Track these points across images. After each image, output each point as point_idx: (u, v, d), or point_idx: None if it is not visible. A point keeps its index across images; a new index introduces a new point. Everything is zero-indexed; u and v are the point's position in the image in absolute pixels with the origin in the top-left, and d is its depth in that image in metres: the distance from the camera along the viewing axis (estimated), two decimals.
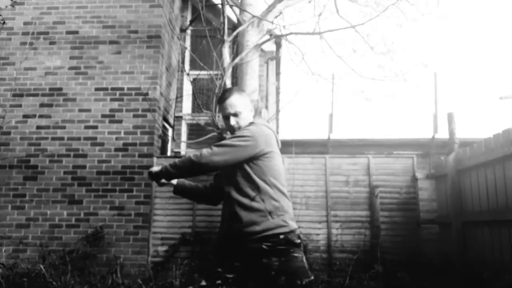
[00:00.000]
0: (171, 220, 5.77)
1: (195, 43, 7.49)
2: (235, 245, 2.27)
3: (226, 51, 5.24)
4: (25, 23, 6.24)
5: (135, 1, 6.26)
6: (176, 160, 2.26)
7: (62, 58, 6.16)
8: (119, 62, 6.11)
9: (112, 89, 6.05)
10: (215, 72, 5.23)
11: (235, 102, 2.37)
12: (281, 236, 2.21)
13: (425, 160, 6.06)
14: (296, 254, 2.20)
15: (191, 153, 2.29)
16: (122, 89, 6.04)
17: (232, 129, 2.38)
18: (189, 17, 7.75)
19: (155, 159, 5.90)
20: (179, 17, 7.55)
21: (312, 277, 2.20)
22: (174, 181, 2.55)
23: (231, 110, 2.36)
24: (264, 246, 2.19)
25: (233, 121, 2.36)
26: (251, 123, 2.36)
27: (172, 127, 7.14)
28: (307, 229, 5.59)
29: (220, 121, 5.19)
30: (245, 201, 2.24)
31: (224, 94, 2.42)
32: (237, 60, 5.37)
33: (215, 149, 2.18)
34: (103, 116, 5.98)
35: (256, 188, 2.25)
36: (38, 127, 5.98)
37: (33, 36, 6.03)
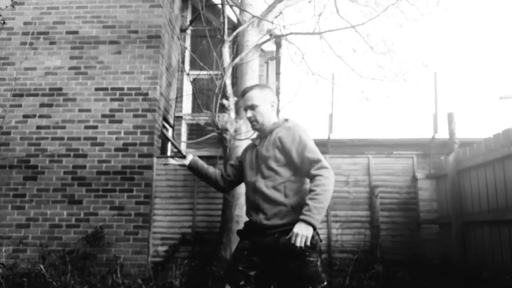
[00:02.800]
0: (171, 220, 5.78)
1: (195, 43, 7.48)
2: (255, 237, 2.29)
3: (226, 51, 5.24)
4: (25, 23, 6.24)
5: (135, 1, 6.26)
6: (308, 205, 2.11)
7: (62, 58, 6.16)
8: (119, 62, 6.11)
9: (112, 89, 6.05)
10: (215, 72, 5.23)
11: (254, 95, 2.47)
12: None
13: (425, 160, 6.04)
14: (311, 259, 2.18)
15: (313, 186, 2.14)
16: (122, 89, 6.04)
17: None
18: (189, 17, 7.74)
19: (155, 159, 5.90)
20: (179, 17, 7.55)
21: (326, 283, 2.19)
22: (188, 160, 2.65)
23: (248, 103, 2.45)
24: (281, 245, 2.17)
25: (249, 113, 2.46)
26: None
27: (172, 127, 7.14)
28: None
29: (220, 121, 5.19)
30: (275, 195, 2.27)
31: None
32: (237, 60, 5.37)
33: (324, 170, 2.16)
34: (103, 116, 5.98)
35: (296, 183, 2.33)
36: (38, 127, 5.98)
37: (33, 36, 6.03)
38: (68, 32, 6.22)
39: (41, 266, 5.07)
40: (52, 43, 6.19)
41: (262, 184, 2.29)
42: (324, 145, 7.80)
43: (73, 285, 4.88)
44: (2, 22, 4.85)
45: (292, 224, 2.16)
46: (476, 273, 4.30)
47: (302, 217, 2.10)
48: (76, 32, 6.22)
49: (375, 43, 6.75)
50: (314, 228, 2.11)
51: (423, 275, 5.05)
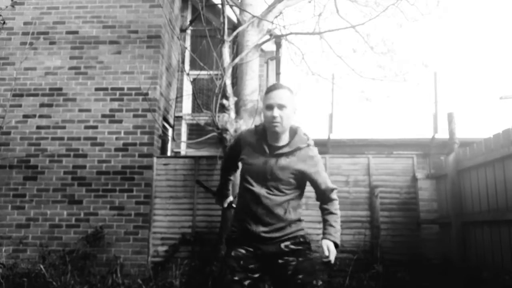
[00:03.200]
0: (171, 220, 5.78)
1: (195, 43, 7.48)
2: (253, 246, 2.31)
3: (226, 51, 5.24)
4: (25, 23, 6.24)
5: (135, 1, 6.26)
6: (335, 227, 2.40)
7: (62, 58, 6.16)
8: (119, 62, 6.11)
9: (112, 89, 6.05)
10: (215, 72, 5.23)
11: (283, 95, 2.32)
12: (300, 238, 2.35)
13: (425, 160, 6.05)
14: (311, 256, 2.33)
15: (333, 210, 2.46)
16: (122, 89, 6.04)
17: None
18: (189, 17, 7.74)
19: (155, 159, 5.90)
20: (179, 17, 7.55)
21: (321, 282, 2.30)
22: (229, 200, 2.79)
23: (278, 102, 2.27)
24: (282, 247, 2.28)
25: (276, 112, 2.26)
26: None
27: (172, 127, 7.14)
28: (308, 229, 5.56)
29: (220, 121, 5.19)
30: (278, 210, 2.33)
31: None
32: (237, 60, 5.37)
33: (336, 194, 2.47)
34: (103, 116, 5.98)
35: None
36: (38, 127, 5.98)
37: (33, 36, 6.02)
38: (68, 32, 6.22)
39: (41, 266, 5.07)
40: (52, 43, 6.19)
41: (268, 200, 2.29)
42: (324, 145, 7.80)
43: (73, 285, 4.88)
44: (2, 22, 4.85)
45: (287, 235, 2.31)
46: (476, 273, 4.30)
47: (333, 239, 2.34)
48: (76, 32, 6.22)
49: (375, 43, 6.75)
50: (338, 247, 2.35)
51: (423, 275, 5.05)
